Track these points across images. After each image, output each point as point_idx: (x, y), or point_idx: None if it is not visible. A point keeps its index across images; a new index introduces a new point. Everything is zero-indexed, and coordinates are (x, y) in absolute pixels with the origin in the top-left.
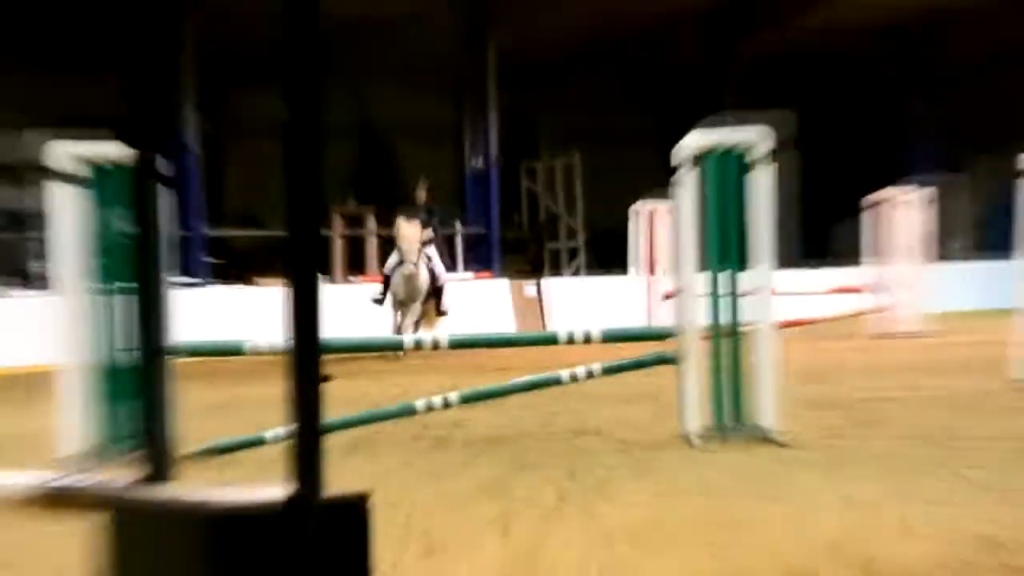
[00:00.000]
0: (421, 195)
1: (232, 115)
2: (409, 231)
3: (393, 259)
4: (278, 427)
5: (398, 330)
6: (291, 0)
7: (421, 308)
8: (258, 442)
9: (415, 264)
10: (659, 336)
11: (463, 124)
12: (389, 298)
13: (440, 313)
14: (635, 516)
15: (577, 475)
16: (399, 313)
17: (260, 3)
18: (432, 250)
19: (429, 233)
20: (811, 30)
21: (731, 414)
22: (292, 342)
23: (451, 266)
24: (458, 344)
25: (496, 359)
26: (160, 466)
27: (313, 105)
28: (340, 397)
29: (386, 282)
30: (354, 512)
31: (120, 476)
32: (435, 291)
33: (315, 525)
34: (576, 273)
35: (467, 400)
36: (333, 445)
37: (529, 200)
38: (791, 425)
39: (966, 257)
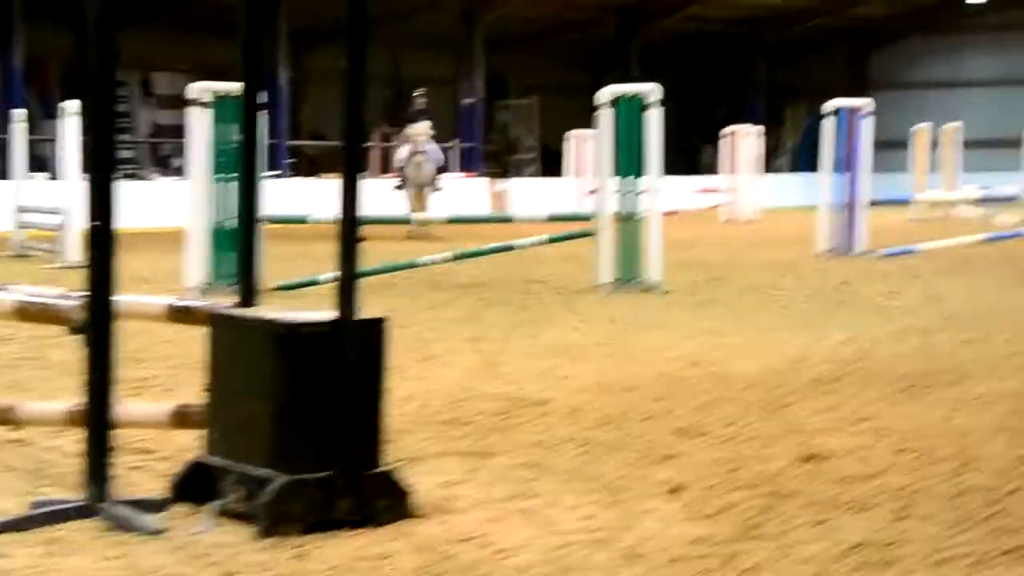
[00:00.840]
0: (421, 101)
1: (309, 64)
2: (419, 127)
3: (403, 152)
4: (329, 272)
5: (413, 209)
6: None
7: (431, 190)
8: (314, 282)
9: (424, 152)
10: (584, 218)
11: (459, 76)
12: (407, 185)
13: (436, 189)
14: (564, 337)
15: (527, 309)
16: (414, 195)
17: None
18: (432, 143)
19: (430, 129)
20: (693, 18)
21: (630, 271)
22: (340, 215)
23: (447, 169)
24: (452, 220)
25: (476, 232)
26: (249, 295)
27: (360, 59)
28: (371, 255)
29: (402, 173)
30: (376, 330)
31: (224, 301)
32: (435, 173)
33: (351, 338)
34: (532, 176)
35: (455, 258)
36: (365, 286)
37: (502, 127)
38: (669, 279)
39: (785, 171)
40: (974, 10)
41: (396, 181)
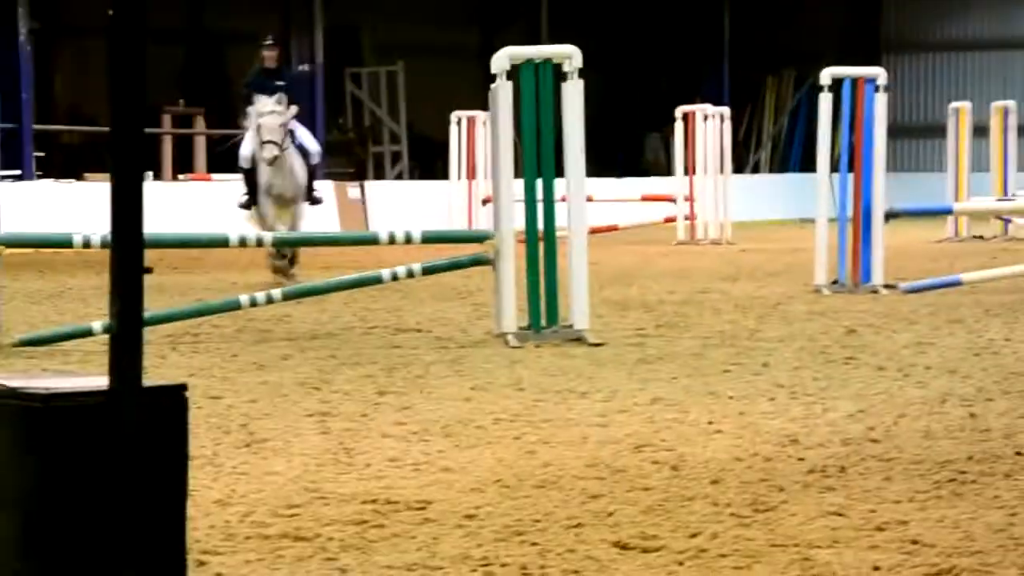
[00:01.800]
0: (271, 56)
1: (65, 14)
2: (267, 107)
3: (248, 146)
4: (99, 320)
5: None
6: None
7: (301, 203)
8: (84, 333)
9: (281, 145)
10: (476, 239)
11: (290, 31)
12: (262, 198)
13: (313, 201)
14: (450, 412)
15: (395, 370)
16: (273, 213)
17: None
18: (298, 125)
19: (292, 109)
20: None
21: (545, 314)
22: (115, 235)
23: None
24: (282, 243)
25: (319, 258)
26: None
27: (137, 2)
28: (168, 289)
29: (249, 178)
30: (172, 402)
31: None
32: (309, 174)
33: (132, 416)
34: (399, 177)
35: (290, 296)
36: (159, 336)
37: (353, 106)
38: (602, 326)
39: (765, 170)
40: None
41: (240, 193)
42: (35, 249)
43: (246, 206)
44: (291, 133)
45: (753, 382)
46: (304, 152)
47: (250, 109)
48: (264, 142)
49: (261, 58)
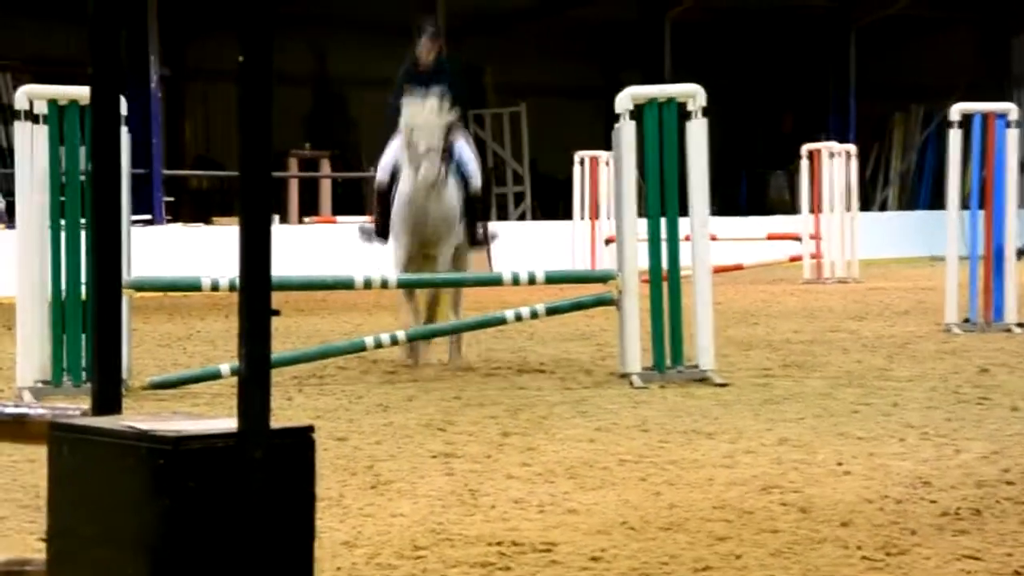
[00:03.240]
0: (429, 49)
1: (193, 60)
2: (423, 109)
3: (389, 157)
4: (228, 362)
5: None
6: None
7: (452, 247)
8: (213, 375)
9: (436, 163)
10: (600, 278)
11: None
12: (400, 237)
13: (477, 243)
14: (575, 453)
15: (519, 412)
16: (407, 256)
17: None
18: (461, 140)
19: (453, 112)
20: None
21: (669, 354)
22: (243, 279)
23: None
24: (407, 284)
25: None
26: (109, 397)
27: (265, 50)
28: (295, 332)
29: (382, 202)
30: (299, 444)
31: (71, 405)
32: (468, 206)
33: (261, 457)
34: (522, 218)
35: (415, 338)
36: (285, 378)
37: (477, 147)
38: (727, 365)
39: (892, 208)
40: None
41: (367, 221)
42: (164, 293)
43: (370, 234)
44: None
45: (883, 423)
46: (464, 177)
47: (404, 118)
48: (419, 152)
49: (414, 55)
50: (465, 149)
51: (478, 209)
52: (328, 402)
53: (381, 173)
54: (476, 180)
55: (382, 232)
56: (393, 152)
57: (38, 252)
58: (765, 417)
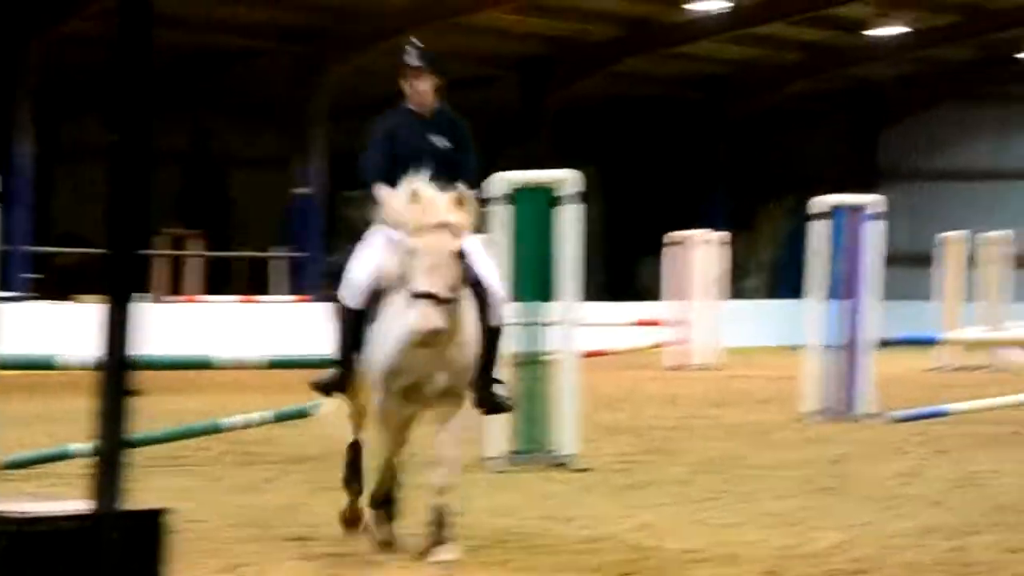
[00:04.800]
0: (424, 90)
1: (64, 136)
2: (431, 204)
3: (366, 265)
4: (84, 442)
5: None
6: (124, 33)
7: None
8: (67, 455)
9: (450, 286)
10: None
11: (291, 156)
12: (384, 383)
13: (493, 405)
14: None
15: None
16: (400, 419)
17: (97, 34)
18: (474, 243)
19: (470, 207)
20: (624, 76)
21: (531, 438)
22: (103, 357)
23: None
24: (272, 365)
25: (309, 380)
26: None
27: (140, 129)
28: (154, 412)
29: (350, 338)
30: (153, 527)
31: None
32: (488, 343)
33: (115, 539)
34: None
35: (278, 419)
36: (142, 459)
37: (352, 226)
38: (591, 450)
39: (757, 296)
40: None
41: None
42: (21, 372)
43: (333, 386)
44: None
45: (740, 510)
46: (482, 296)
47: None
48: (420, 295)
49: (404, 92)
50: (481, 258)
51: (496, 353)
52: (185, 483)
53: (351, 291)
54: (499, 308)
55: (344, 382)
56: (376, 258)
57: None
58: (625, 503)
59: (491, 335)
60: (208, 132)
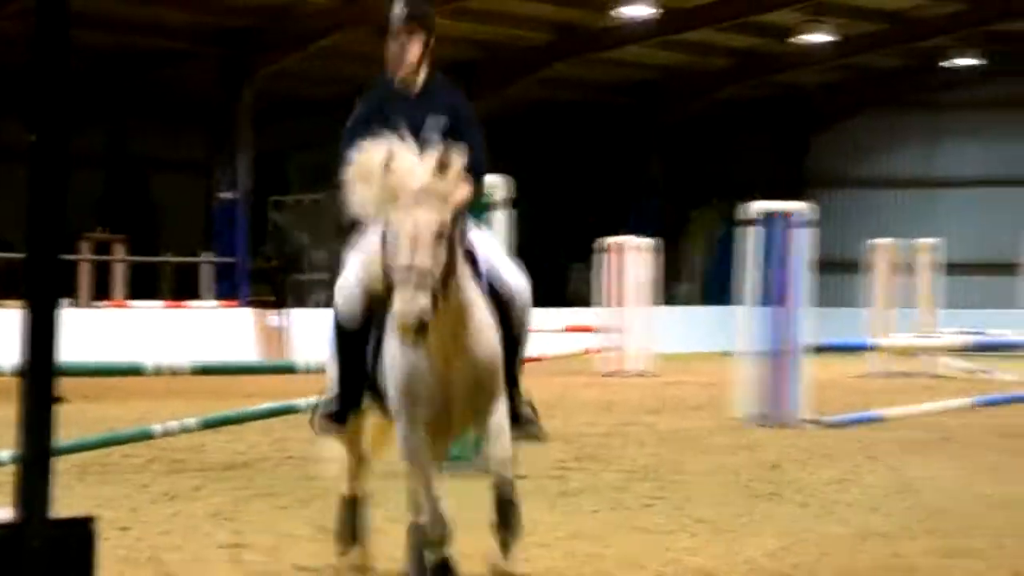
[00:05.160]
0: (412, 55)
1: None
2: (409, 175)
3: (355, 280)
4: (9, 448)
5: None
6: (42, 30)
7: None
8: None
9: (425, 287)
10: None
11: (214, 160)
12: (404, 410)
13: (517, 420)
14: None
15: (311, 502)
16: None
17: (16, 31)
18: (482, 236)
19: (455, 173)
20: (549, 83)
21: (464, 446)
22: (25, 363)
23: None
24: (200, 371)
25: (237, 385)
26: None
27: (59, 131)
28: (79, 419)
29: (350, 361)
30: (80, 535)
31: None
32: (509, 355)
33: (39, 548)
34: (319, 305)
35: (206, 426)
36: (68, 467)
37: (279, 234)
38: (523, 458)
39: (690, 302)
40: (956, 79)
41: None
42: None
43: (335, 417)
44: (466, 253)
45: (675, 517)
46: (499, 297)
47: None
48: (398, 281)
49: (387, 61)
50: (497, 257)
51: (519, 368)
52: (113, 491)
53: (345, 308)
54: (523, 313)
55: (345, 412)
56: (365, 261)
57: None
58: (559, 510)
59: (512, 345)
60: (129, 135)
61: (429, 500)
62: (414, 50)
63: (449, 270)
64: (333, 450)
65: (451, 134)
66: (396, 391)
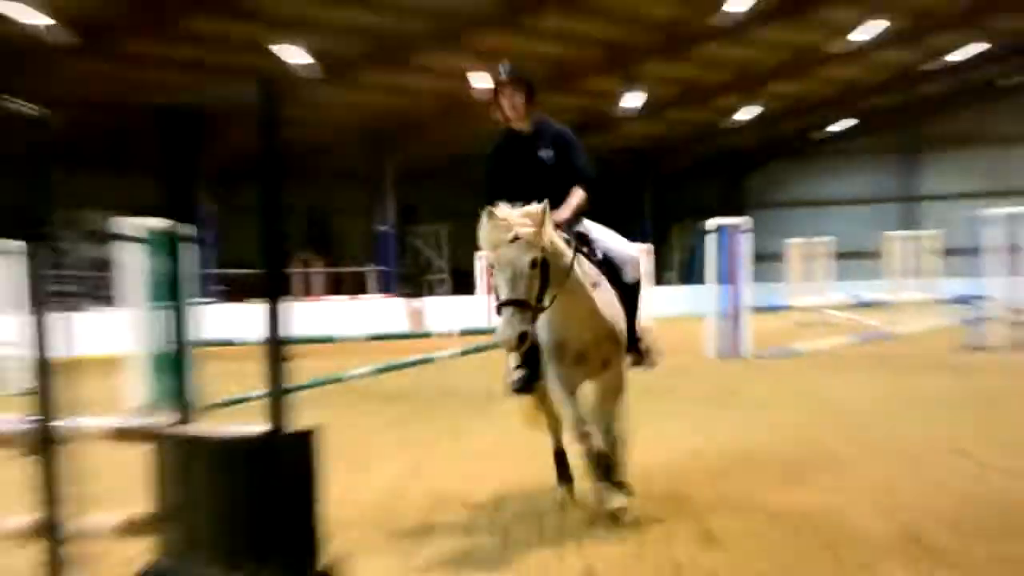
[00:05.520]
0: (516, 104)
1: (234, 199)
2: (497, 224)
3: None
4: (259, 390)
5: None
6: (265, 127)
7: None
8: (247, 399)
9: (517, 317)
10: (488, 332)
11: (372, 205)
12: (551, 367)
13: (638, 358)
14: (482, 443)
15: (458, 419)
16: (563, 390)
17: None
18: (594, 227)
19: (540, 220)
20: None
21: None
22: (267, 336)
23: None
24: (370, 338)
25: (393, 347)
26: (187, 414)
27: (276, 195)
28: (300, 372)
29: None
30: (308, 440)
31: (164, 420)
32: (628, 299)
33: (283, 449)
34: (444, 294)
35: (377, 372)
36: (296, 401)
37: (417, 251)
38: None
39: (674, 283)
40: (836, 135)
41: (510, 368)
42: (217, 348)
43: (522, 385)
44: (584, 239)
45: (670, 415)
46: (612, 266)
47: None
48: (499, 304)
49: (501, 113)
50: (608, 237)
51: (637, 306)
52: (324, 413)
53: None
54: (631, 267)
55: (531, 380)
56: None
57: (141, 323)
58: None
59: (629, 291)
60: (321, 193)
61: (569, 415)
62: (518, 100)
63: (563, 273)
64: (524, 409)
65: (560, 158)
66: (546, 346)
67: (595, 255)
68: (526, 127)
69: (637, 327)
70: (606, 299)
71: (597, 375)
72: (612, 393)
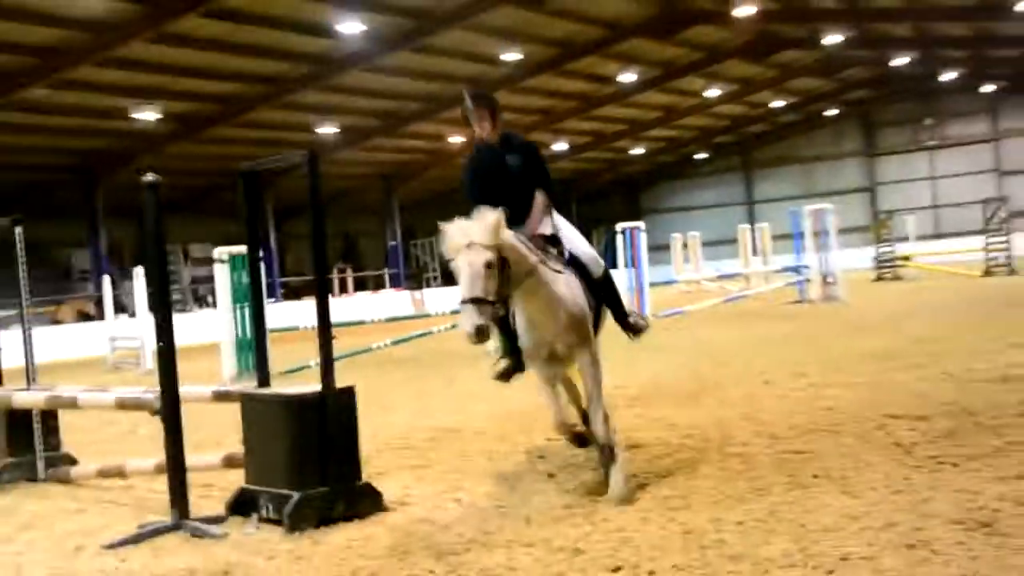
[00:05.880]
0: (481, 123)
1: (290, 228)
2: (459, 232)
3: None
4: (314, 359)
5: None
6: (312, 170)
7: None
8: (306, 367)
9: (478, 312)
10: None
11: (384, 228)
12: (529, 361)
13: (627, 328)
14: (471, 389)
15: (452, 373)
16: (548, 376)
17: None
18: (563, 225)
19: (496, 228)
20: None
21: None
22: (318, 323)
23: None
24: (387, 320)
25: (403, 325)
26: (265, 379)
27: (320, 223)
28: (341, 346)
29: (503, 328)
30: (349, 394)
31: (249, 385)
32: (604, 290)
33: (332, 401)
34: (438, 287)
35: (394, 343)
36: (339, 367)
37: (416, 258)
38: None
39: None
40: (699, 163)
41: (493, 353)
42: (280, 333)
43: (505, 375)
44: (553, 240)
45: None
46: (580, 265)
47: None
48: (461, 305)
49: (473, 132)
50: (574, 239)
51: (615, 293)
52: (356, 375)
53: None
54: (595, 265)
55: (515, 368)
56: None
57: (229, 319)
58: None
59: (602, 284)
60: (349, 221)
61: (552, 404)
62: (486, 122)
63: (523, 273)
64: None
65: (525, 163)
66: (523, 342)
67: (563, 255)
68: (495, 139)
69: (626, 308)
70: (570, 292)
71: (571, 361)
72: (588, 375)
